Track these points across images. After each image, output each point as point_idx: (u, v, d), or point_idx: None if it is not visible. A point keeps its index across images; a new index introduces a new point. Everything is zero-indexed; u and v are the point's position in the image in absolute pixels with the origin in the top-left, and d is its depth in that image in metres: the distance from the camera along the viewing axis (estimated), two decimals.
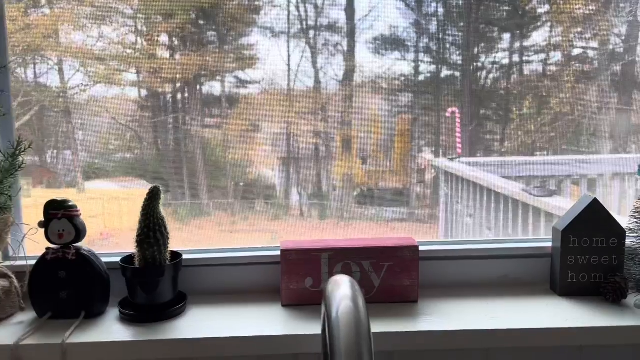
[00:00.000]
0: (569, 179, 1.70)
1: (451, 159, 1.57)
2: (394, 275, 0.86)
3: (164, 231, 0.82)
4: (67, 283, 0.81)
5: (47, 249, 0.83)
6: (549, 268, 0.93)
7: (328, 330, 0.52)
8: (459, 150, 1.42)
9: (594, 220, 0.88)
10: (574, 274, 0.89)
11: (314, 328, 0.76)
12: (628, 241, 0.88)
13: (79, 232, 0.82)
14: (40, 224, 0.82)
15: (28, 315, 0.83)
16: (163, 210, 0.83)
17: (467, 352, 0.80)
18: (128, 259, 0.85)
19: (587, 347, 0.81)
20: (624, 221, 0.89)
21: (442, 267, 0.93)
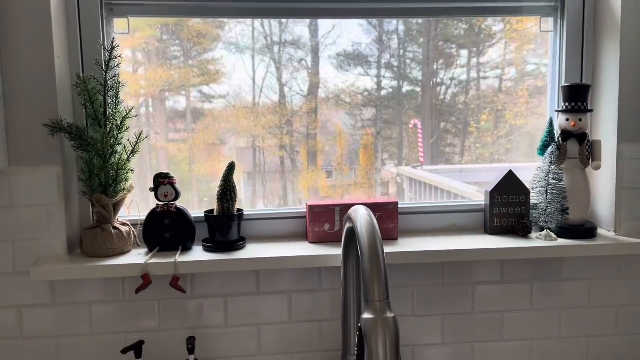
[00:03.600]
0: None
1: (415, 167, 1.62)
2: (382, 221, 1.24)
3: (235, 192, 1.18)
4: (169, 227, 1.18)
5: (157, 205, 1.18)
6: (482, 218, 1.34)
7: (356, 234, 0.82)
8: (422, 160, 1.47)
9: (509, 184, 1.28)
10: (498, 220, 1.29)
11: (331, 252, 1.16)
12: (531, 197, 1.28)
13: (177, 193, 1.17)
14: (151, 189, 1.17)
15: (141, 251, 1.19)
16: None
17: (430, 265, 1.26)
18: (209, 212, 1.20)
19: (506, 260, 1.28)
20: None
21: (413, 219, 1.33)
